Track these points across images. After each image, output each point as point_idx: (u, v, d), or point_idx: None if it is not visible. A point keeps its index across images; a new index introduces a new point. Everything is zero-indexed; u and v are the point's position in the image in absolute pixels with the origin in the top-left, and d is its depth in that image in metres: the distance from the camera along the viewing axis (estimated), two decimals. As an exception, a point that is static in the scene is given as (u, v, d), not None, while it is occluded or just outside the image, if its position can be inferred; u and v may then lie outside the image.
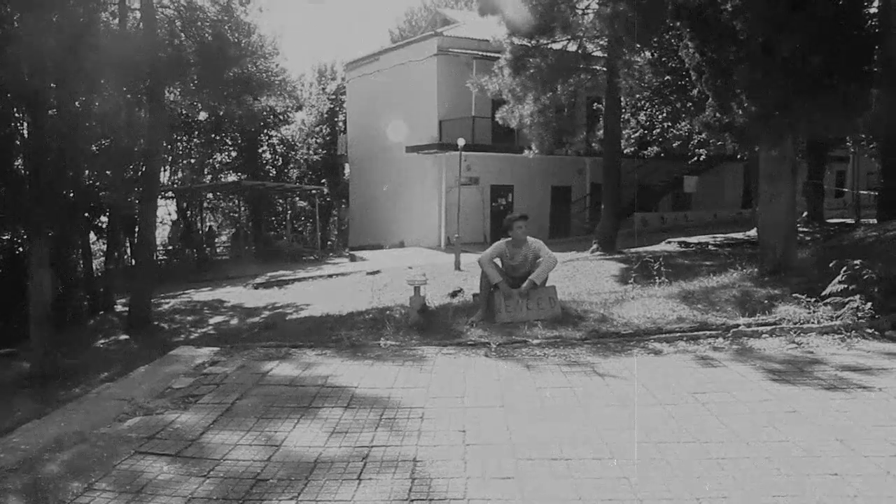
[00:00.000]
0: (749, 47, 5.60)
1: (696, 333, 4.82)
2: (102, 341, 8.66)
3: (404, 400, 3.53)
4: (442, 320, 6.01)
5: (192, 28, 14.08)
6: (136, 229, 12.46)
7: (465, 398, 3.53)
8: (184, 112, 17.84)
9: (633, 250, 13.87)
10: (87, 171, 11.53)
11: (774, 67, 5.61)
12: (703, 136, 12.87)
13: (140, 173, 11.38)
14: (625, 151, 17.55)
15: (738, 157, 16.42)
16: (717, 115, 6.06)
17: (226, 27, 14.70)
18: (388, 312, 6.37)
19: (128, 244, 19.11)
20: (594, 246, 14.34)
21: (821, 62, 5.44)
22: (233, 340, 5.81)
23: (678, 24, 6.32)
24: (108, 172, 11.64)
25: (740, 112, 5.71)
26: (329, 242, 28.60)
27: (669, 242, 15.12)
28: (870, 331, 4.83)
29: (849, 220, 15.58)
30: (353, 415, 3.34)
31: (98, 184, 12.55)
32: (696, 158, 16.99)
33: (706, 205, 22.50)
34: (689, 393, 3.55)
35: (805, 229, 14.71)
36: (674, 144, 16.39)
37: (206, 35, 14.00)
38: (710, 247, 14.11)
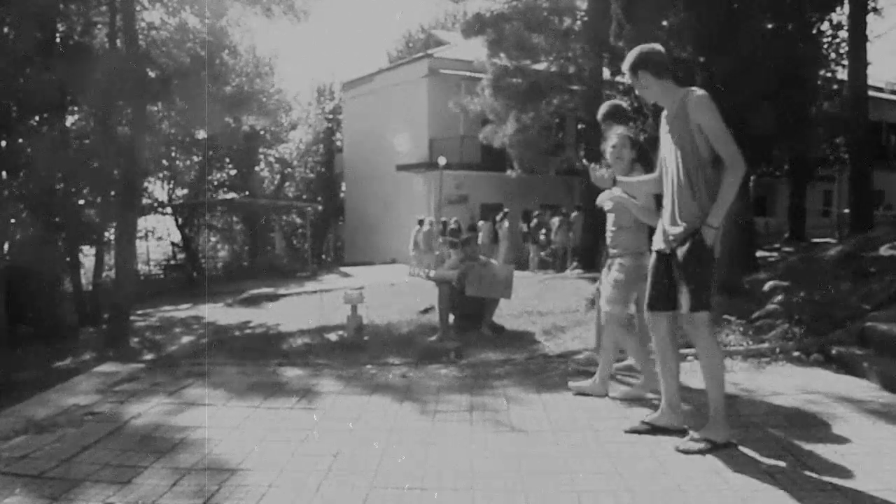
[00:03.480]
0: (686, 67, 5.72)
1: (621, 355, 4.86)
2: (70, 359, 8.76)
3: (259, 463, 2.96)
4: (396, 337, 6.10)
5: (180, 49, 14.38)
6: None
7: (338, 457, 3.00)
8: (173, 132, 18.12)
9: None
10: (61, 188, 11.71)
11: (712, 87, 5.70)
12: None
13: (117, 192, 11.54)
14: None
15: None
16: (658, 133, 6.16)
17: (213, 48, 14.98)
18: (340, 332, 6.45)
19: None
20: (574, 264, 14.38)
21: (756, 83, 5.54)
22: (181, 357, 5.90)
23: (619, 44, 6.45)
24: (85, 191, 11.87)
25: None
26: (324, 258, 28.77)
27: (651, 261, 15.09)
28: (796, 354, 4.83)
29: (832, 240, 15.55)
30: (181, 488, 2.71)
31: (80, 202, 12.76)
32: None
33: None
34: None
35: (788, 249, 14.70)
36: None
37: (193, 55, 14.30)
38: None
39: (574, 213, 16.23)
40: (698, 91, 2.89)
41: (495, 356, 5.09)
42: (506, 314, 6.84)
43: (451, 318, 6.16)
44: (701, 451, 2.88)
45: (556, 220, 16.54)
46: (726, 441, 2.94)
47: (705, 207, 2.84)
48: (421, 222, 17.24)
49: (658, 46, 3.07)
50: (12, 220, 11.35)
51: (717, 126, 2.82)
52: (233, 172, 28.19)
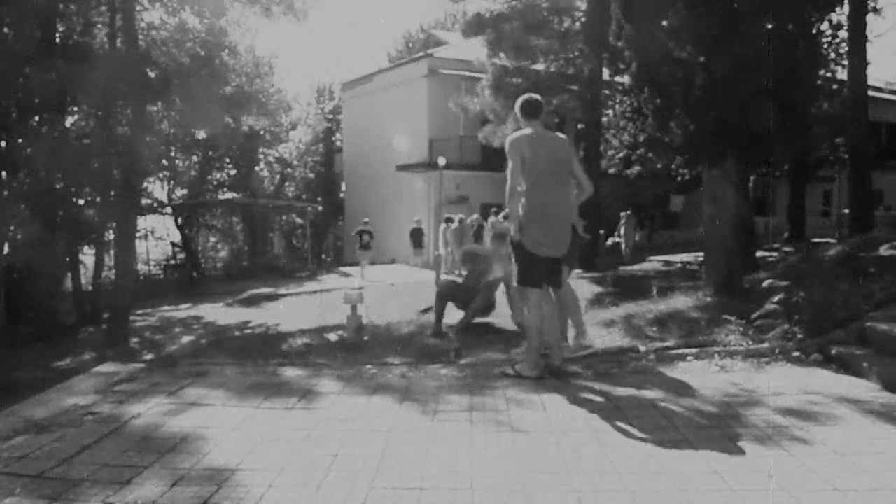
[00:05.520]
0: (686, 67, 5.71)
1: (619, 358, 4.85)
2: (70, 359, 8.75)
3: (258, 464, 2.93)
4: (396, 338, 6.11)
5: (180, 49, 14.38)
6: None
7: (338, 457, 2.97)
8: (173, 132, 18.13)
9: (614, 270, 13.91)
10: (61, 188, 11.72)
11: (712, 87, 5.70)
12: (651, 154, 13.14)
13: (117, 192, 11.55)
14: (610, 172, 17.70)
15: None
16: (658, 133, 6.19)
17: (213, 48, 14.98)
18: (340, 332, 6.44)
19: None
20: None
21: (755, 83, 5.53)
22: (180, 357, 5.89)
23: (619, 44, 6.45)
24: (85, 191, 11.87)
25: (679, 132, 5.81)
26: (323, 258, 28.77)
27: (651, 261, 15.17)
28: (796, 354, 4.82)
29: (832, 240, 15.55)
30: (180, 488, 2.69)
31: (80, 202, 12.77)
32: (678, 178, 17.10)
33: (694, 223, 22.55)
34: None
35: (788, 249, 14.71)
36: (658, 165, 16.48)
37: (193, 55, 14.29)
38: (690, 266, 14.09)
39: (625, 214, 18.11)
40: (511, 136, 4.13)
41: (495, 356, 5.09)
42: (506, 313, 6.83)
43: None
44: (507, 375, 4.24)
45: (622, 216, 18.02)
46: (538, 375, 4.18)
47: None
48: (450, 220, 16.87)
49: (534, 97, 4.28)
50: (12, 220, 11.34)
51: (510, 164, 4.10)
52: (233, 172, 28.22)
